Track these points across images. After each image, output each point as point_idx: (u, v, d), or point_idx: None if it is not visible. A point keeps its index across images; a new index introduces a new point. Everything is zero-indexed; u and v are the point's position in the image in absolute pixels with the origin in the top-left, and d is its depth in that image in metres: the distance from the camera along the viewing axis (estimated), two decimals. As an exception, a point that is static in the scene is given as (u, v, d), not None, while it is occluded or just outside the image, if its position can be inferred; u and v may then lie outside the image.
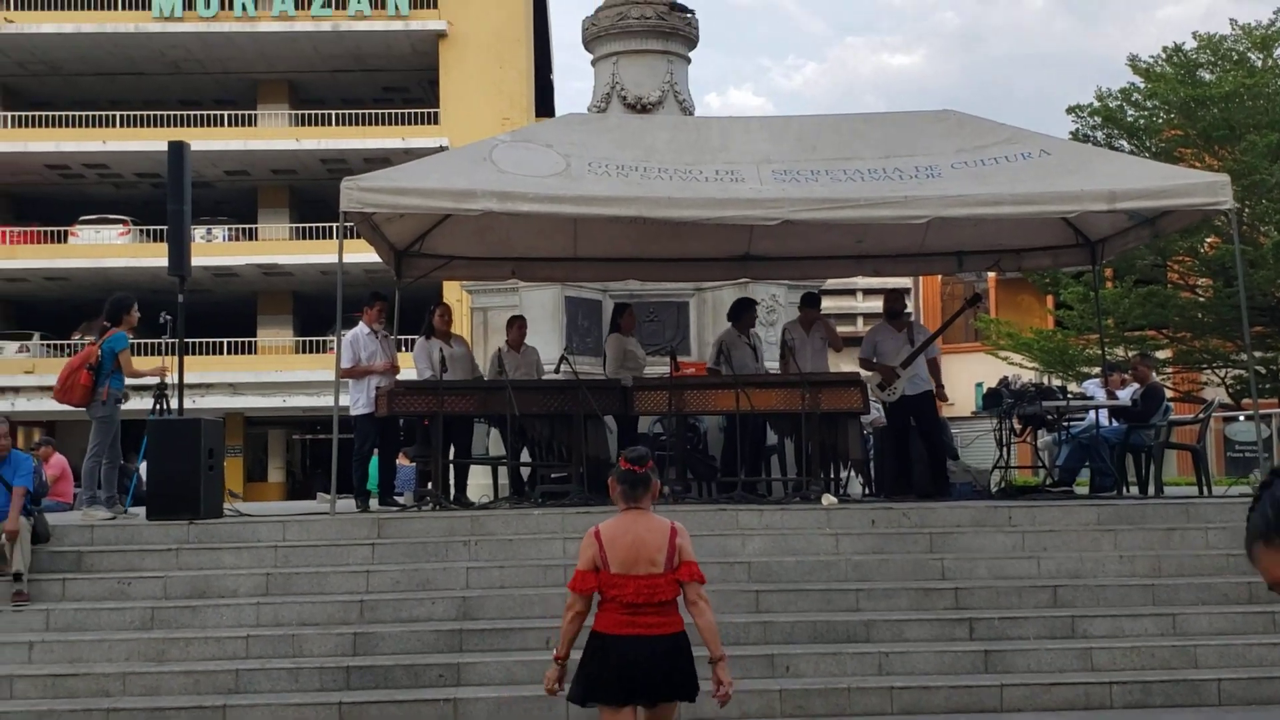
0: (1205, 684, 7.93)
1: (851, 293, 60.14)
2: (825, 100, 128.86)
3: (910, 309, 11.55)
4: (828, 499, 10.79)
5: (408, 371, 12.74)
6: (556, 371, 12.46)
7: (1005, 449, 12.92)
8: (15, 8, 39.97)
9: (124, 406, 11.22)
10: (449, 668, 8.14)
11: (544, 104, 44.64)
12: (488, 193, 10.47)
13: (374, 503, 11.85)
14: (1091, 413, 13.10)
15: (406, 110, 40.83)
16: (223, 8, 39.27)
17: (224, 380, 37.67)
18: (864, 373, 12.36)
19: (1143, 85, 28.39)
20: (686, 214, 10.73)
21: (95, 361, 10.98)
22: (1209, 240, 26.11)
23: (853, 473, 12.94)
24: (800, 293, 15.65)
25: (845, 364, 16.66)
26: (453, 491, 12.03)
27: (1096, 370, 23.13)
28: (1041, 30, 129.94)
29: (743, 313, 12.72)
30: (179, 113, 40.27)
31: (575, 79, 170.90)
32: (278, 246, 40.13)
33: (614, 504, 5.38)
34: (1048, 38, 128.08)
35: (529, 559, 9.50)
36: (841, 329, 14.46)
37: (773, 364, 13.16)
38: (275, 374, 38.55)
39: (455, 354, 12.27)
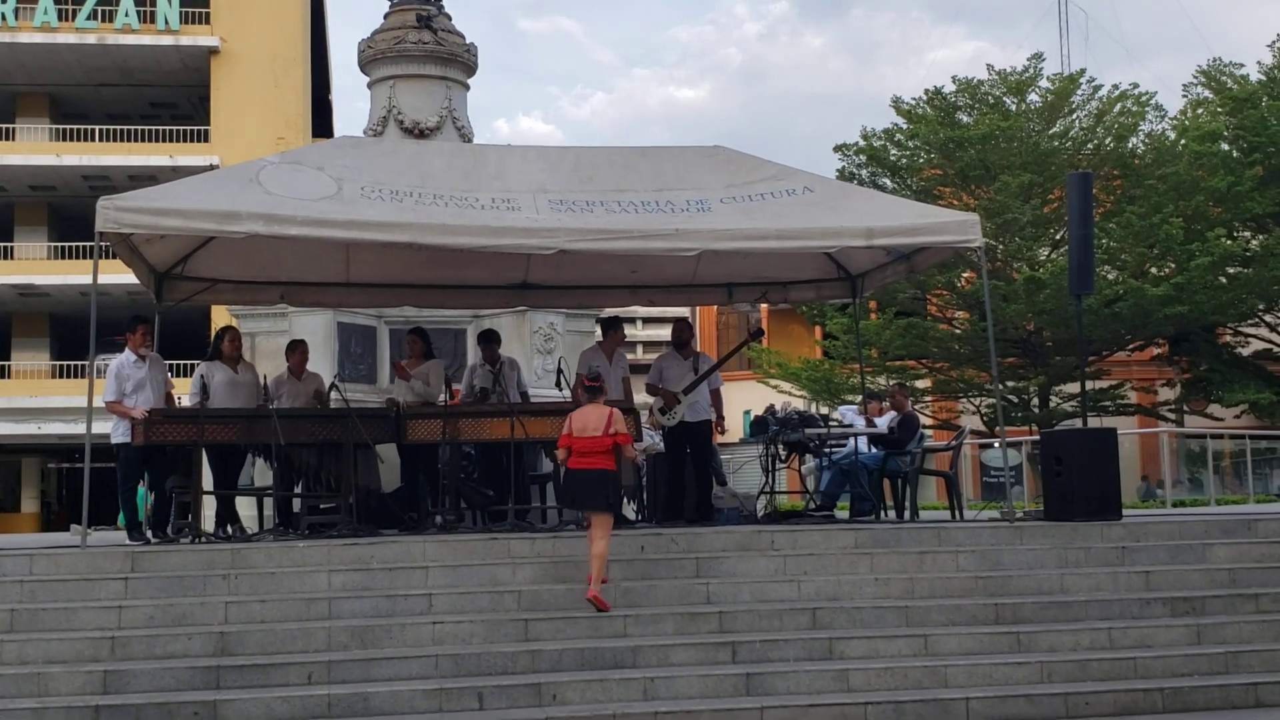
0: (954, 703, 8.24)
1: (631, 321, 60.80)
2: (613, 130, 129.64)
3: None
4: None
5: None
6: (327, 399, 12.23)
7: (770, 475, 13.25)
8: None
9: None
10: (205, 705, 7.85)
11: (322, 125, 43.84)
12: (253, 215, 10.21)
13: (150, 535, 11.42)
14: (852, 439, 13.55)
15: (175, 127, 39.66)
16: (-21, 15, 37.48)
17: (-27, 405, 35.89)
18: (649, 398, 12.55)
19: (905, 126, 29.67)
20: (461, 241, 10.68)
21: None
22: (965, 275, 27.39)
23: (625, 499, 13.07)
24: (581, 319, 15.79)
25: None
26: (229, 526, 11.70)
27: (852, 398, 23.97)
28: (819, 69, 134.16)
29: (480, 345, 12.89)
30: (-72, 122, 38.26)
31: (356, 100, 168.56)
32: (34, 266, 38.45)
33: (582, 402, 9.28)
34: (825, 77, 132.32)
35: (292, 592, 9.27)
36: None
37: (548, 391, 13.19)
38: (30, 399, 36.96)
39: (241, 380, 11.88)
